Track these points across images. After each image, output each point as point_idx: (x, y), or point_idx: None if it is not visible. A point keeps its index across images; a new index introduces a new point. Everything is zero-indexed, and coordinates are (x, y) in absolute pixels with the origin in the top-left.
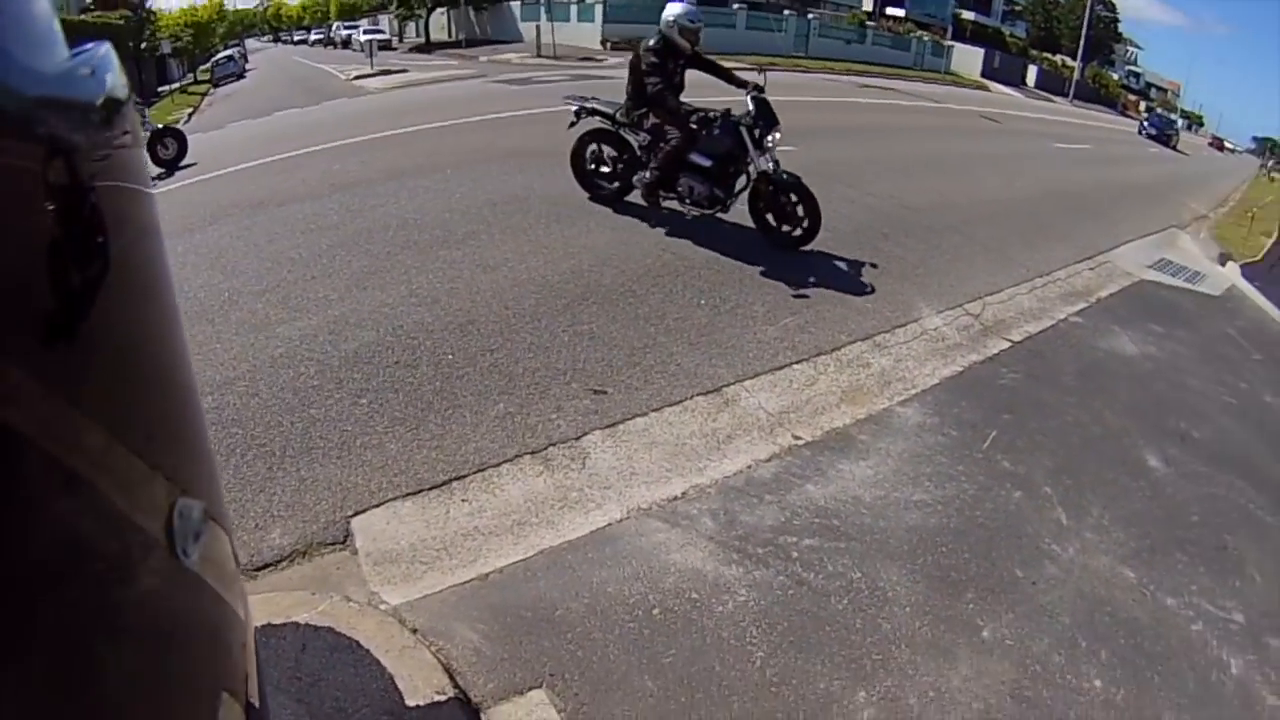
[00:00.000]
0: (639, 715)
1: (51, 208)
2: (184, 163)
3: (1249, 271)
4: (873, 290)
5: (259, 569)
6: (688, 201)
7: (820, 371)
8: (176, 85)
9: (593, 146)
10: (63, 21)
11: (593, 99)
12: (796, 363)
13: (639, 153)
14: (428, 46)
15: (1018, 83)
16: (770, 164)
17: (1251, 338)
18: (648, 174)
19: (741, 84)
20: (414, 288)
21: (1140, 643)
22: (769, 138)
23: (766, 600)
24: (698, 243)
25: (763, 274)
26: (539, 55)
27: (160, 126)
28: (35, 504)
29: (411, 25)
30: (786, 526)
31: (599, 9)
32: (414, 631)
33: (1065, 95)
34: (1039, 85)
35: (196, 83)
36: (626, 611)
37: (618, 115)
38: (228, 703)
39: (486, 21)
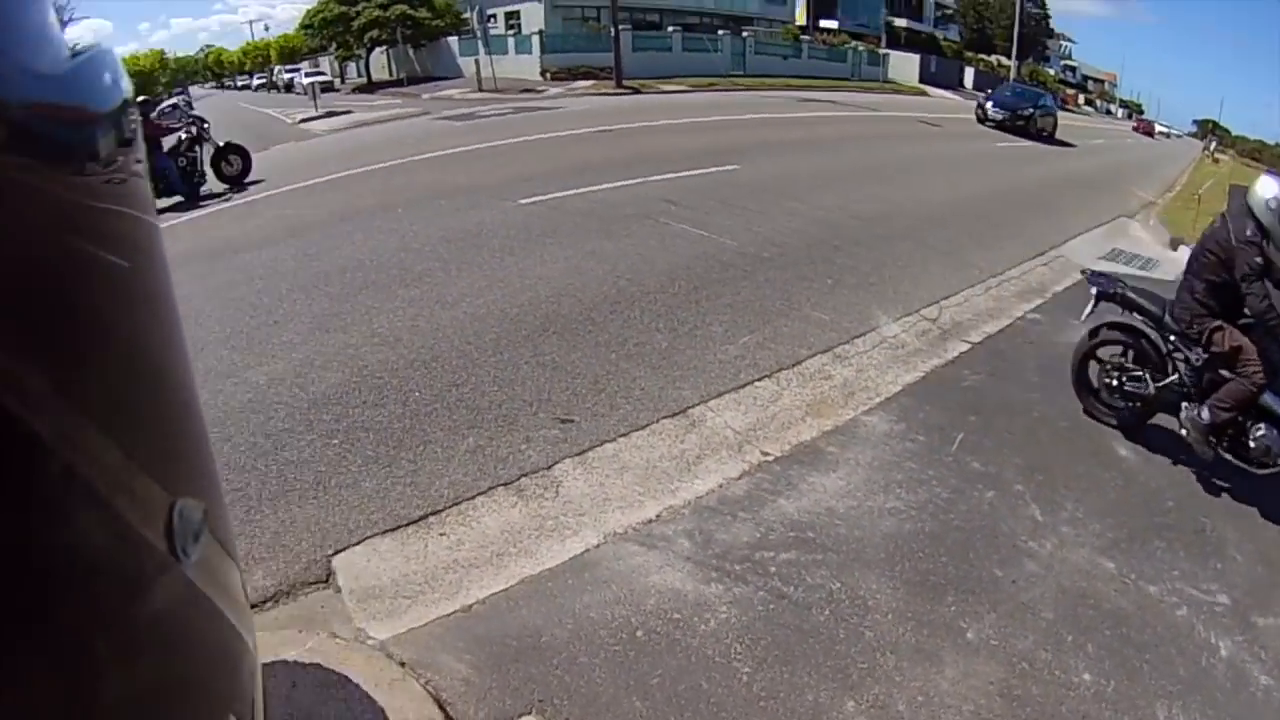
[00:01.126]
0: None
1: (50, 206)
2: (249, 179)
3: None
4: (829, 303)
5: None
6: (1258, 459)
7: (783, 387)
8: None
9: (1111, 349)
10: None
11: (1121, 284)
12: (759, 380)
13: (1181, 374)
14: (370, 86)
15: (956, 85)
16: None
17: None
18: (1205, 411)
19: None
20: (376, 328)
21: (1126, 633)
22: None
23: (748, 616)
24: (654, 267)
25: (715, 295)
26: (480, 89)
27: (224, 143)
28: (38, 507)
29: (352, 65)
30: (763, 542)
31: (536, 40)
32: (402, 665)
33: None
34: (976, 86)
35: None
36: (610, 635)
37: (1166, 318)
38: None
39: (426, 58)
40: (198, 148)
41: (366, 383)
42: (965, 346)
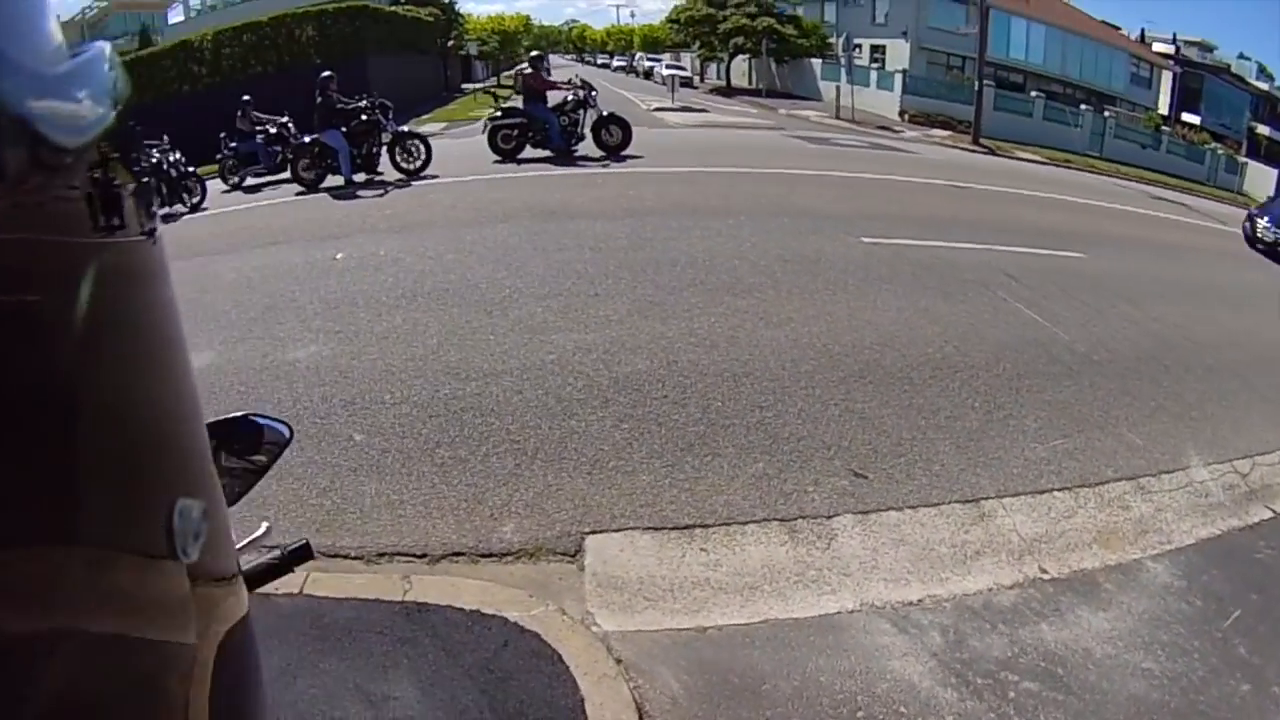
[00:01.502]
0: None
1: (46, 203)
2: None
3: None
4: (1146, 428)
5: (483, 556)
6: None
7: (1080, 504)
8: (479, 85)
9: None
10: (372, 11)
11: None
12: (1058, 490)
13: None
14: (728, 90)
15: None
16: None
17: None
18: None
19: None
20: (694, 327)
21: None
22: None
23: None
24: (984, 341)
25: (1037, 388)
26: (837, 116)
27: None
28: (34, 507)
29: (713, 67)
30: (1011, 663)
31: (899, 79)
32: (619, 662)
33: None
34: None
35: (500, 86)
36: (832, 706)
37: None
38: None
39: (787, 75)
40: (581, 111)
41: (673, 378)
42: (1268, 514)
